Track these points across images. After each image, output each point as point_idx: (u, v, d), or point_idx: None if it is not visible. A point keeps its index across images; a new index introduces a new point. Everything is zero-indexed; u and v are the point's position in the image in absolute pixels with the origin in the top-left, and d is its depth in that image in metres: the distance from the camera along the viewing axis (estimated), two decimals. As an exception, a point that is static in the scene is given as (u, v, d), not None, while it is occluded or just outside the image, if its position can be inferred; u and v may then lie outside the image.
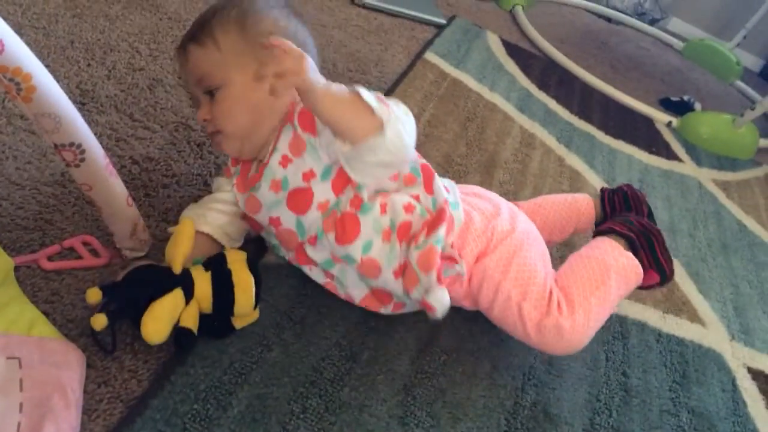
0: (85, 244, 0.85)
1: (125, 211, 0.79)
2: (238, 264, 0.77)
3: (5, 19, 1.16)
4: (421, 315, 0.90)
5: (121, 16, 1.32)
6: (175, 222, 0.92)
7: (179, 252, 0.76)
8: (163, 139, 1.07)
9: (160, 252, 0.87)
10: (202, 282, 0.75)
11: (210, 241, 0.87)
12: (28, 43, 1.04)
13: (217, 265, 0.76)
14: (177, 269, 0.75)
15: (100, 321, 0.71)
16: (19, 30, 1.15)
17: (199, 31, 0.86)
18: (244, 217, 0.90)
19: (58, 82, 1.08)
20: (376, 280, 0.86)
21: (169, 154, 1.04)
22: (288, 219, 0.85)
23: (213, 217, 0.88)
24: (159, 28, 1.34)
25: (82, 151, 0.70)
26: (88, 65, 1.15)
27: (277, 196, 0.84)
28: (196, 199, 0.98)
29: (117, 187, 0.77)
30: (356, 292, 0.89)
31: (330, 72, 1.47)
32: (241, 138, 0.86)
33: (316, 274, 0.90)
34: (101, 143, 0.98)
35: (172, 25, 1.37)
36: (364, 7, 1.84)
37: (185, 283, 0.75)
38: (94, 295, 0.72)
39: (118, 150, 1.01)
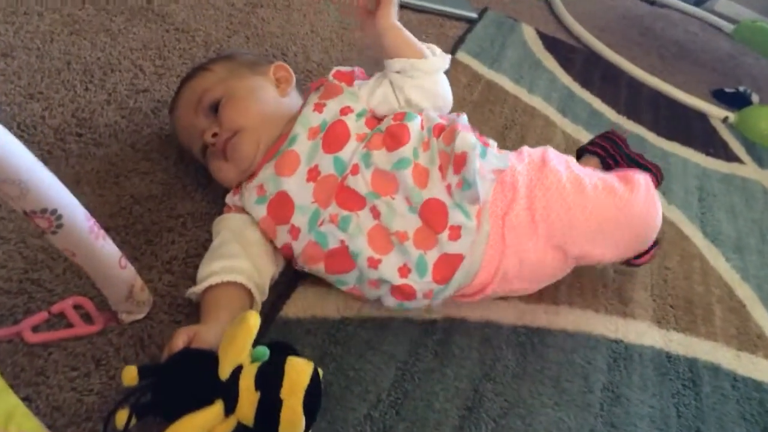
0: (76, 307, 0.74)
1: (118, 275, 0.68)
2: (293, 397, 0.61)
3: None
4: (461, 374, 0.78)
5: (123, 30, 1.21)
6: (182, 276, 0.81)
7: (232, 353, 0.63)
8: (167, 172, 0.96)
9: (162, 311, 0.76)
10: (248, 403, 0.62)
11: (241, 295, 0.76)
12: (20, 67, 0.95)
13: (269, 387, 0.62)
14: (224, 373, 0.63)
15: (122, 418, 0.60)
16: (10, 52, 1.05)
17: (188, 75, 0.94)
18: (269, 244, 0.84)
19: (51, 110, 0.98)
20: (425, 189, 0.80)
21: (173, 191, 0.93)
22: (326, 163, 0.82)
23: (242, 264, 0.78)
24: (165, 42, 1.23)
25: (59, 217, 0.59)
26: (86, 89, 1.05)
27: (315, 140, 0.83)
28: (204, 243, 0.87)
29: (106, 250, 0.65)
30: (408, 224, 0.80)
31: (353, 80, 1.34)
32: (258, 129, 0.85)
33: (363, 218, 0.80)
34: (99, 180, 0.88)
35: (180, 37, 1.25)
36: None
37: (230, 394, 0.62)
38: (130, 377, 0.62)
39: (116, 189, 0.90)
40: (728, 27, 2.47)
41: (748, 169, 1.58)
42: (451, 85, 1.43)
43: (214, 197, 0.94)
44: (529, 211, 0.84)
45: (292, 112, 0.89)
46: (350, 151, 0.82)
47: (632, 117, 1.60)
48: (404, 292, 0.80)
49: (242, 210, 0.86)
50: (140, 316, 0.75)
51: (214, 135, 0.86)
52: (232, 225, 0.84)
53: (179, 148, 0.98)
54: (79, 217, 0.61)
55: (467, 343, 0.87)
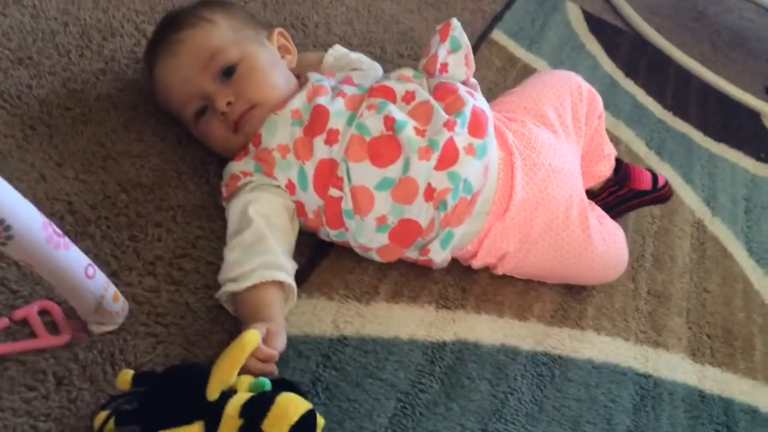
0: (42, 312, 0.66)
1: (83, 286, 0.60)
2: (274, 430, 0.53)
3: (-9, -6, 0.97)
4: (469, 410, 0.69)
5: (130, -12, 1.10)
6: (164, 279, 0.73)
7: (221, 373, 0.55)
8: (161, 157, 0.87)
9: (139, 321, 0.68)
10: (227, 429, 0.54)
11: (281, 294, 0.71)
12: (11, 27, 0.86)
13: (253, 416, 0.54)
14: (212, 394, 0.55)
15: (100, 419, 0.56)
16: (2, 9, 0.96)
17: (182, 20, 0.84)
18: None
19: (40, 78, 0.89)
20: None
21: (166, 178, 0.84)
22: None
23: (283, 260, 0.72)
24: (176, 3, 1.12)
25: (7, 228, 0.50)
26: (81, 56, 0.95)
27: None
28: (194, 241, 0.78)
29: (67, 260, 0.57)
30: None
31: (377, 57, 1.23)
32: (272, 105, 0.81)
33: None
34: (84, 163, 0.80)
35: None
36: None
37: (213, 417, 0.55)
38: (123, 381, 0.58)
39: (102, 174, 0.82)
40: (788, 14, 2.29)
41: (801, 178, 1.45)
42: (484, 68, 1.33)
43: (210, 188, 0.85)
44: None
45: (294, 86, 0.87)
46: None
47: (678, 113, 1.47)
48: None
49: (250, 174, 0.78)
50: (113, 328, 0.67)
51: (228, 104, 0.80)
52: (262, 210, 0.76)
53: (180, 129, 0.89)
54: (32, 227, 0.52)
55: (478, 371, 0.78)
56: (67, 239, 0.57)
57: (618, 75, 1.52)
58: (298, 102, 0.81)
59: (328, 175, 0.78)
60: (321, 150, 0.78)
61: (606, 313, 0.93)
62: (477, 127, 0.81)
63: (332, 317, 0.77)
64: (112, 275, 0.72)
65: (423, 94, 0.83)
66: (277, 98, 0.82)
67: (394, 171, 0.77)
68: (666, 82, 1.58)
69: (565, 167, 0.88)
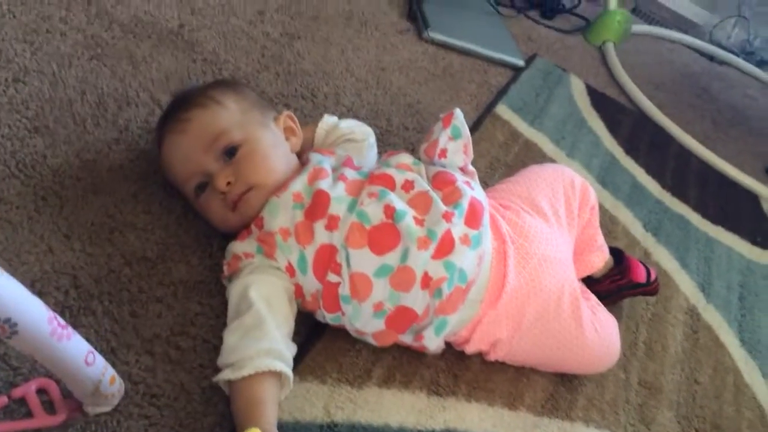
0: (40, 391, 0.67)
1: (83, 372, 0.61)
2: None
3: (11, 60, 1.01)
4: None
5: (148, 57, 1.15)
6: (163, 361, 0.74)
7: None
8: (167, 230, 0.89)
9: (133, 402, 0.70)
10: None
11: (277, 384, 0.72)
12: (30, 95, 0.89)
13: None
14: None
15: None
16: (23, 77, 0.99)
17: (193, 99, 0.87)
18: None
19: (55, 148, 0.92)
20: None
21: (170, 252, 0.86)
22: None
23: (281, 347, 0.73)
24: (190, 73, 1.16)
25: (13, 325, 0.52)
26: (97, 125, 0.99)
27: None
28: (192, 319, 0.80)
29: (70, 350, 0.59)
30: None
31: (383, 129, 1.27)
32: (271, 187, 0.84)
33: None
34: (91, 235, 0.82)
35: (206, 69, 1.19)
36: (434, 43, 1.62)
37: None
38: None
39: (108, 246, 0.84)
40: (790, 93, 2.34)
41: (797, 265, 1.46)
42: (487, 142, 1.37)
43: (212, 263, 0.87)
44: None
45: (295, 168, 0.90)
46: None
47: (677, 194, 1.50)
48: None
49: (252, 255, 0.80)
50: (108, 409, 0.68)
51: (228, 184, 0.83)
52: (263, 292, 0.77)
53: (185, 202, 0.91)
54: (38, 323, 0.54)
55: (465, 463, 0.79)
56: (69, 329, 0.59)
57: (619, 153, 1.55)
58: (300, 185, 0.83)
59: (327, 260, 0.79)
60: (322, 235, 0.80)
61: (596, 404, 0.93)
62: (473, 218, 0.83)
63: (324, 402, 0.78)
64: (111, 352, 0.74)
65: (422, 184, 0.86)
66: (274, 181, 0.84)
67: (392, 259, 0.79)
68: (666, 161, 1.61)
69: (557, 256, 0.90)
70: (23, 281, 0.61)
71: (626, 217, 1.35)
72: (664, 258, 1.28)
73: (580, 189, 1.01)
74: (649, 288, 1.04)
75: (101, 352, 0.70)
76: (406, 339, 0.84)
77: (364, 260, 0.79)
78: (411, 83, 1.45)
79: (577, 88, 1.73)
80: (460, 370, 0.89)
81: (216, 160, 0.84)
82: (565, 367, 0.92)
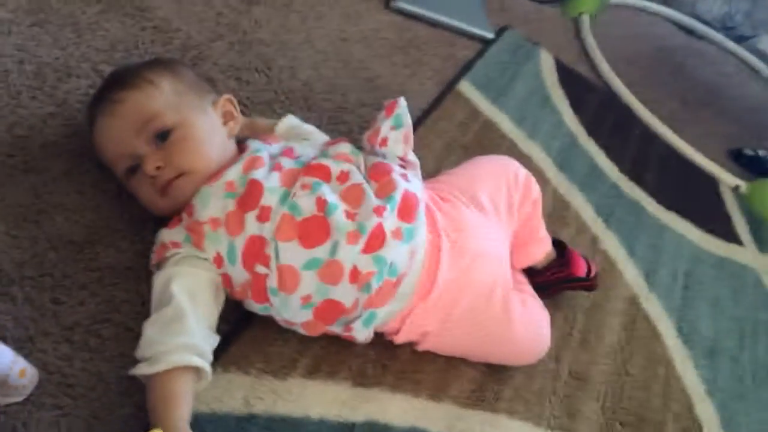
0: (-49, 379, 0.68)
1: (-14, 367, 0.62)
2: None
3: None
4: None
5: (93, 23, 1.12)
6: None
7: None
8: (97, 212, 0.88)
9: (47, 392, 0.70)
10: None
11: (193, 379, 0.72)
12: None
13: None
14: None
15: None
16: (-43, 44, 0.97)
17: (126, 80, 0.85)
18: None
19: (-13, 122, 0.90)
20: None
21: (99, 236, 0.86)
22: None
23: (200, 342, 0.73)
24: (138, 42, 1.14)
25: None
26: (33, 98, 0.97)
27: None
28: (118, 306, 0.80)
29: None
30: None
31: (338, 106, 1.25)
32: (203, 174, 0.83)
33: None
34: (16, 217, 0.81)
35: (156, 38, 1.16)
36: (400, 13, 1.59)
37: None
38: None
39: (34, 229, 0.83)
40: (767, 71, 2.32)
41: (746, 254, 1.48)
42: (445, 121, 1.35)
43: (143, 248, 0.87)
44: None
45: (232, 155, 0.88)
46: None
47: (634, 177, 1.49)
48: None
49: (180, 245, 0.80)
50: (18, 399, 0.69)
51: (158, 168, 0.82)
52: (186, 285, 0.77)
53: (120, 182, 0.90)
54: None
55: (384, 455, 0.81)
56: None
57: (581, 133, 1.54)
58: (234, 173, 0.83)
59: (256, 251, 0.79)
60: (252, 226, 0.79)
61: (523, 395, 0.95)
62: (406, 212, 0.83)
63: (244, 393, 0.79)
64: (28, 340, 0.74)
65: (357, 176, 0.85)
66: (206, 168, 0.83)
67: (321, 252, 0.79)
68: (628, 143, 1.60)
69: (492, 251, 0.91)
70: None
71: (579, 201, 1.34)
72: (612, 245, 1.29)
73: (523, 182, 1.01)
74: (588, 283, 1.05)
75: (18, 340, 0.71)
76: (336, 329, 0.84)
77: (292, 253, 0.79)
78: (373, 56, 1.42)
79: (546, 63, 1.70)
80: (390, 360, 0.90)
81: (147, 143, 0.83)
82: (493, 358, 0.94)
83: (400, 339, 0.88)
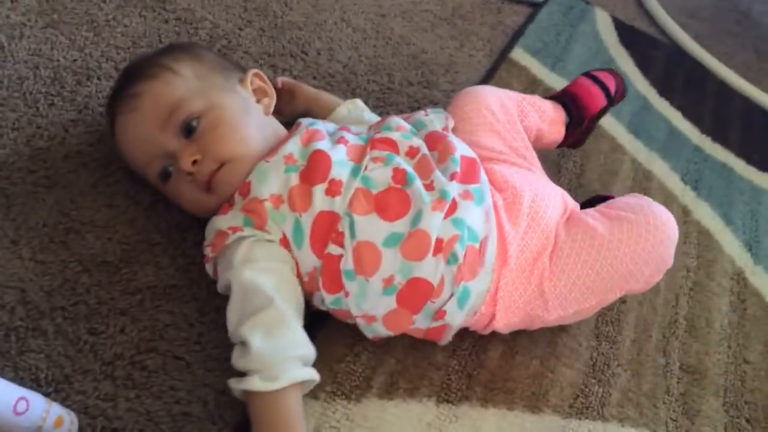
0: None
1: (13, 423, 0.52)
2: None
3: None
4: None
5: (112, 20, 1.02)
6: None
7: None
8: (132, 225, 0.78)
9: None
10: None
11: (300, 394, 0.64)
12: None
13: None
14: None
15: None
16: (-34, 54, 0.87)
17: (141, 71, 0.75)
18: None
19: (2, 137, 0.81)
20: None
21: (136, 252, 0.76)
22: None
23: (311, 350, 0.65)
24: (161, 36, 1.03)
25: None
26: (51, 105, 0.87)
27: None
28: (162, 332, 0.70)
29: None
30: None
31: (383, 87, 1.13)
32: (247, 158, 0.72)
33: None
34: (42, 239, 0.72)
35: (180, 29, 1.06)
36: (440, -18, 1.45)
37: None
38: None
39: (63, 251, 0.74)
40: (841, 12, 2.11)
41: None
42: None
43: (186, 262, 0.77)
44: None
45: (277, 134, 0.79)
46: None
47: (718, 138, 1.34)
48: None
49: (240, 228, 0.69)
50: (58, 453, 0.58)
51: (194, 162, 0.71)
52: (274, 281, 0.66)
53: (155, 188, 0.80)
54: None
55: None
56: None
57: (652, 95, 1.39)
58: (293, 146, 0.73)
59: (327, 229, 0.69)
60: (321, 201, 0.69)
61: (632, 397, 0.82)
62: (470, 174, 0.75)
63: (316, 422, 0.68)
64: (65, 380, 0.64)
65: (424, 148, 0.76)
66: (249, 152, 0.73)
67: (402, 226, 0.69)
68: (704, 101, 1.44)
69: (540, 191, 0.79)
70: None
71: (662, 169, 1.20)
72: (706, 215, 1.14)
73: (515, 107, 0.90)
74: (615, 101, 0.99)
75: (52, 381, 0.61)
76: (423, 323, 0.72)
77: (371, 227, 0.68)
78: (415, 30, 1.29)
79: (603, 22, 1.55)
80: (475, 369, 0.78)
81: (176, 136, 0.73)
82: (624, 281, 0.76)
83: (499, 323, 0.75)
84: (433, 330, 0.73)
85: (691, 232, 1.10)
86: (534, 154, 0.89)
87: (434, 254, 0.68)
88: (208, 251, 0.71)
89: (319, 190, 0.69)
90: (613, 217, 0.76)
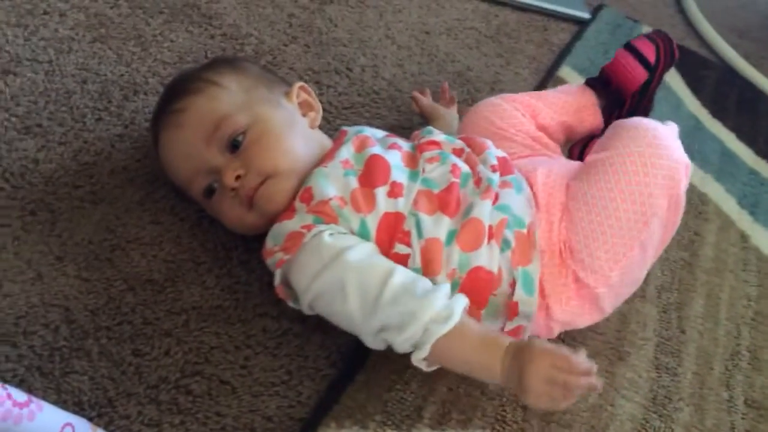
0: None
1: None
2: None
3: (1, 49, 0.88)
4: None
5: (159, 35, 1.01)
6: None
7: None
8: (178, 243, 0.76)
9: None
10: None
11: None
12: (22, 88, 0.79)
13: None
14: None
15: None
16: (14, 68, 0.87)
17: (186, 86, 0.73)
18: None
19: (49, 150, 0.81)
20: None
21: (182, 271, 0.74)
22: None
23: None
24: (207, 51, 1.02)
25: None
26: (98, 119, 0.86)
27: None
28: (207, 354, 0.67)
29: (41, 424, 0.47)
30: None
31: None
32: (293, 173, 0.71)
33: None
34: (87, 256, 0.70)
35: (226, 45, 1.05)
36: (484, 0, 1.43)
37: None
38: None
39: (108, 268, 0.72)
40: None
41: None
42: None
43: (231, 282, 0.74)
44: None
45: (323, 147, 0.76)
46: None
47: (775, 161, 1.29)
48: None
49: (312, 226, 0.66)
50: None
51: (238, 177, 0.69)
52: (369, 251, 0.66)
53: (200, 207, 0.78)
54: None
55: None
56: (33, 404, 0.46)
57: (704, 115, 1.34)
58: (347, 152, 0.72)
59: (393, 229, 0.67)
60: (385, 202, 0.68)
61: (696, 434, 0.77)
62: (506, 167, 0.76)
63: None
64: (108, 404, 0.62)
65: (466, 147, 0.78)
66: (293, 167, 0.71)
67: (457, 220, 0.69)
68: (758, 121, 1.39)
69: (552, 170, 0.78)
70: (5, 319, 0.49)
71: (717, 192, 1.15)
72: (765, 241, 1.09)
73: (521, 108, 0.90)
74: (661, 70, 0.93)
75: (95, 404, 0.59)
76: (495, 322, 0.70)
77: (437, 225, 0.68)
78: (460, 47, 1.27)
79: (651, 41, 1.51)
80: (530, 400, 0.74)
81: (221, 152, 0.71)
82: (640, 213, 0.72)
83: (556, 312, 0.72)
84: (509, 333, 0.70)
85: (750, 259, 1.05)
86: (547, 143, 0.90)
87: (488, 241, 0.68)
88: (279, 255, 0.66)
89: (381, 192, 0.68)
90: (598, 160, 0.74)
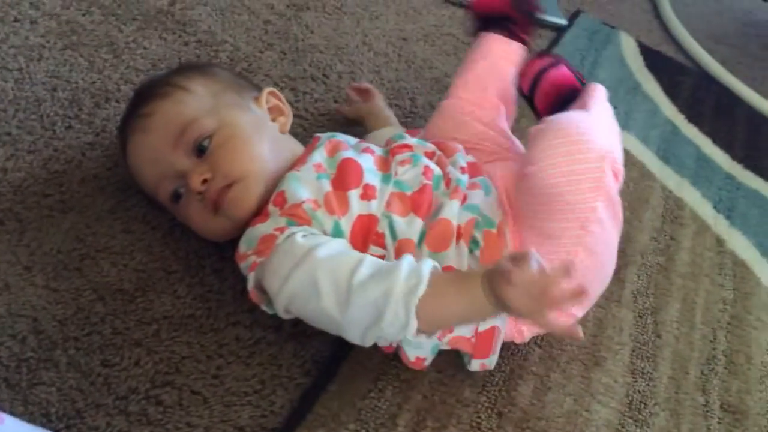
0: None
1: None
2: None
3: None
4: None
5: (132, 42, 1.00)
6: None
7: None
8: (149, 252, 0.75)
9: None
10: None
11: None
12: None
13: None
14: None
15: None
16: (-16, 75, 0.86)
17: (153, 90, 0.73)
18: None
19: (18, 159, 0.80)
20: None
21: (152, 280, 0.73)
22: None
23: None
24: (181, 58, 1.02)
25: None
26: (68, 127, 0.85)
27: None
28: (178, 365, 0.66)
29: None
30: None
31: (405, 111, 1.10)
32: (260, 178, 0.70)
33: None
34: (56, 266, 0.71)
35: (201, 52, 1.04)
36: (462, 6, 1.43)
37: None
38: None
39: (77, 278, 0.71)
40: None
41: None
42: (527, 119, 1.18)
43: (203, 291, 0.73)
44: None
45: (294, 152, 0.76)
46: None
47: (750, 165, 1.29)
48: None
49: (285, 228, 0.65)
50: (67, 495, 0.55)
51: (205, 182, 0.68)
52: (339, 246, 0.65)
53: (173, 216, 0.77)
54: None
55: None
56: (3, 417, 0.45)
57: (680, 120, 1.35)
58: (319, 156, 0.72)
59: (367, 231, 0.68)
60: (358, 205, 0.68)
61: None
62: (475, 168, 0.78)
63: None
64: (77, 416, 0.61)
65: (437, 150, 0.79)
66: (260, 171, 0.71)
67: (427, 221, 0.70)
68: (735, 127, 1.40)
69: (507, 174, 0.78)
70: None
71: (693, 197, 1.16)
72: (741, 245, 1.09)
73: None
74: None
75: (63, 416, 0.58)
76: (467, 329, 0.70)
77: (410, 227, 0.69)
78: (437, 54, 1.27)
79: (629, 47, 1.52)
80: (506, 407, 0.74)
81: (187, 155, 0.70)
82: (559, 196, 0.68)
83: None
84: (481, 337, 0.70)
85: (726, 263, 1.05)
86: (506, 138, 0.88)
87: (457, 242, 0.68)
88: (253, 259, 0.65)
89: (354, 194, 0.68)
90: (527, 175, 0.69)
